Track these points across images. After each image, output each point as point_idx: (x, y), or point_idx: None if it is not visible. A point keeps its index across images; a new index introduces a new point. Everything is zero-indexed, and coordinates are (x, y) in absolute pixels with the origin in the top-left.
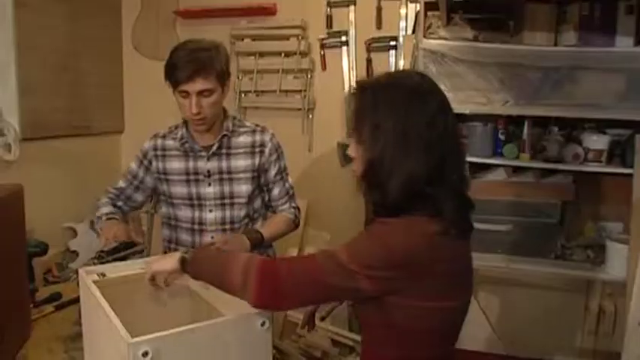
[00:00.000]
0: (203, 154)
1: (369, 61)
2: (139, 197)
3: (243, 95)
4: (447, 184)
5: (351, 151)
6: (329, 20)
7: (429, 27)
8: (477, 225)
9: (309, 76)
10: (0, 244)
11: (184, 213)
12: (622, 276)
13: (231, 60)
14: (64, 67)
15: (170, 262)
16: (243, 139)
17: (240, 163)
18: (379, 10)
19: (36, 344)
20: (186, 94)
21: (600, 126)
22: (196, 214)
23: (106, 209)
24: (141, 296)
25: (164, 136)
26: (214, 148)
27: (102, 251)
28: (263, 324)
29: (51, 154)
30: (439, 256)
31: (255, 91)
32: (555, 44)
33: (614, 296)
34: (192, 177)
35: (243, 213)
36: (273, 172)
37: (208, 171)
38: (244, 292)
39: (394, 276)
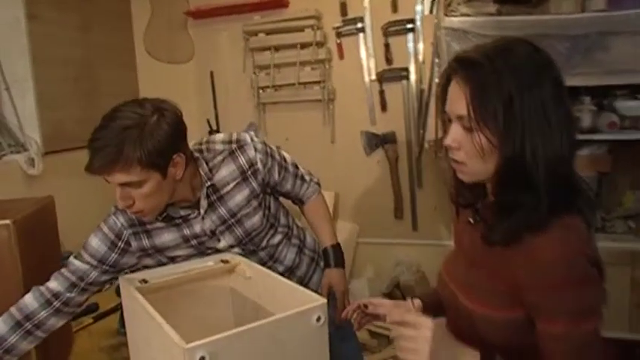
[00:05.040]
0: (193, 216)
1: (387, 46)
2: (104, 279)
3: (261, 91)
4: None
5: (454, 141)
6: (343, 8)
7: (449, 5)
8: None
9: (327, 66)
10: (38, 256)
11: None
12: None
13: (246, 56)
14: (80, 77)
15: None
16: (227, 170)
17: (238, 198)
18: None
19: (80, 356)
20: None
21: (634, 92)
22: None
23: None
24: (183, 299)
25: (131, 215)
26: (204, 205)
27: None
28: (318, 319)
29: (73, 165)
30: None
31: (273, 86)
32: (582, 11)
33: None
34: (194, 242)
35: (264, 232)
36: (275, 175)
37: (212, 231)
38: None
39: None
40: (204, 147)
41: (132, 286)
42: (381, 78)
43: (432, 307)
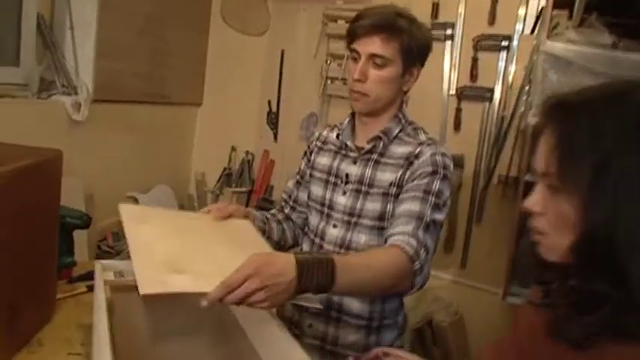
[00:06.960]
0: (352, 154)
1: (474, 60)
2: (305, 197)
3: (329, 82)
4: None
5: (536, 205)
6: (435, 9)
7: (554, 27)
8: None
9: None
10: (24, 215)
11: (313, 220)
12: None
13: (320, 42)
14: (147, 31)
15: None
16: (403, 150)
17: (387, 176)
18: (494, 3)
19: (56, 329)
20: (356, 56)
21: None
22: (322, 224)
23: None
24: (160, 306)
25: (334, 128)
26: (365, 150)
27: None
28: None
29: (122, 119)
30: None
31: (342, 79)
32: None
33: None
34: (331, 178)
35: (363, 238)
36: (412, 184)
37: (347, 175)
38: None
39: None
40: (413, 124)
41: (101, 278)
42: (461, 94)
43: None
